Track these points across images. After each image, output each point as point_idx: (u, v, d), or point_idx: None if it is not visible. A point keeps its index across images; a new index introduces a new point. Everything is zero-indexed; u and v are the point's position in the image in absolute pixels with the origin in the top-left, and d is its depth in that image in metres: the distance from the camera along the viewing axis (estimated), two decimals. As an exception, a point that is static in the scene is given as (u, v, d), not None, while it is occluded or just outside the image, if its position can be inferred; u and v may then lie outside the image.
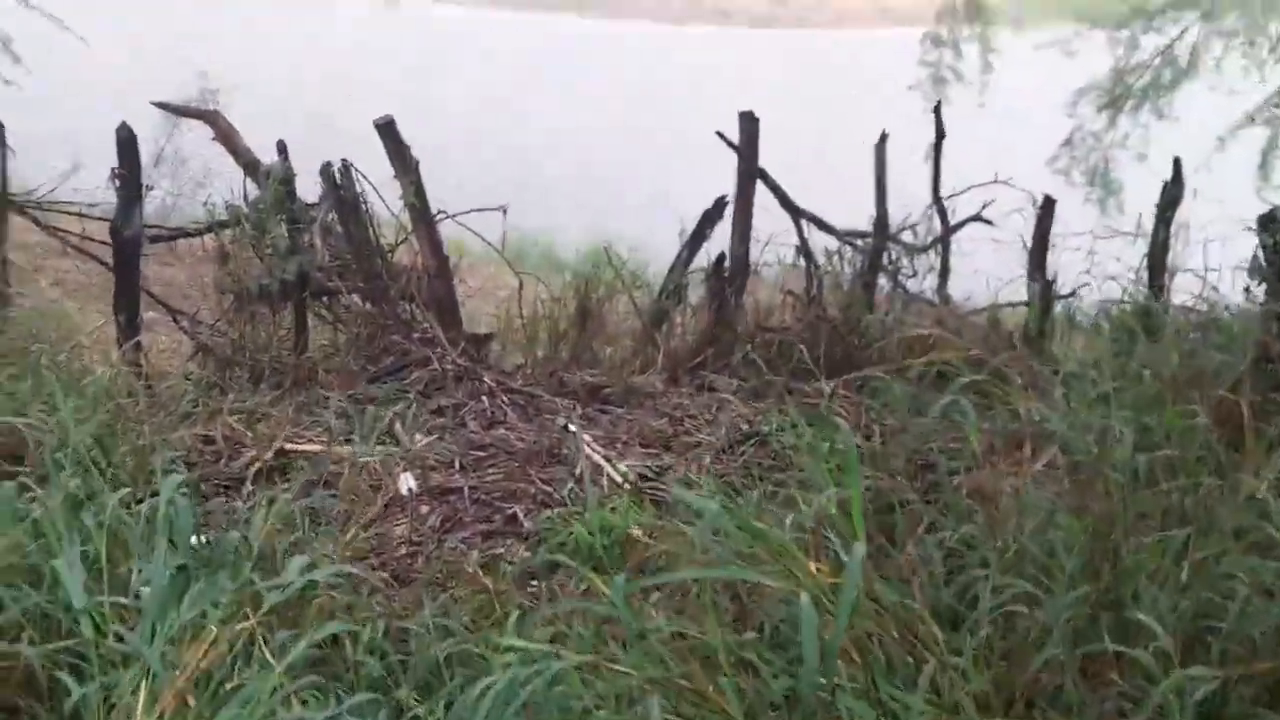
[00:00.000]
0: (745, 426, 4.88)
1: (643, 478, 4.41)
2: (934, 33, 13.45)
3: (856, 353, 5.71)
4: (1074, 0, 17.57)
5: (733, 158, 5.90)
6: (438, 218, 6.07)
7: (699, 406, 5.31)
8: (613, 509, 3.92)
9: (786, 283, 6.08)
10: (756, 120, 5.69)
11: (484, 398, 5.31)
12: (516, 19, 24.64)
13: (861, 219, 6.42)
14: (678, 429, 4.98)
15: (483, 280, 9.14)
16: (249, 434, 4.71)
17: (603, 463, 4.50)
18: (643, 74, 21.17)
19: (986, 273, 5.90)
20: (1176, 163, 5.24)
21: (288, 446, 4.52)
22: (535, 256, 12.81)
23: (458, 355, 5.74)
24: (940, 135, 6.03)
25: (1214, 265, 5.08)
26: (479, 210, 6.61)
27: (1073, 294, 5.85)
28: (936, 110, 6.08)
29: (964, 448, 4.57)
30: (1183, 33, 12.58)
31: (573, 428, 4.83)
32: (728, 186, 6.24)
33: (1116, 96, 12.99)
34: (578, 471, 4.39)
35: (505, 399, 5.33)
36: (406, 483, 4.24)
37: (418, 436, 4.83)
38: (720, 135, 5.74)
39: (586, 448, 4.61)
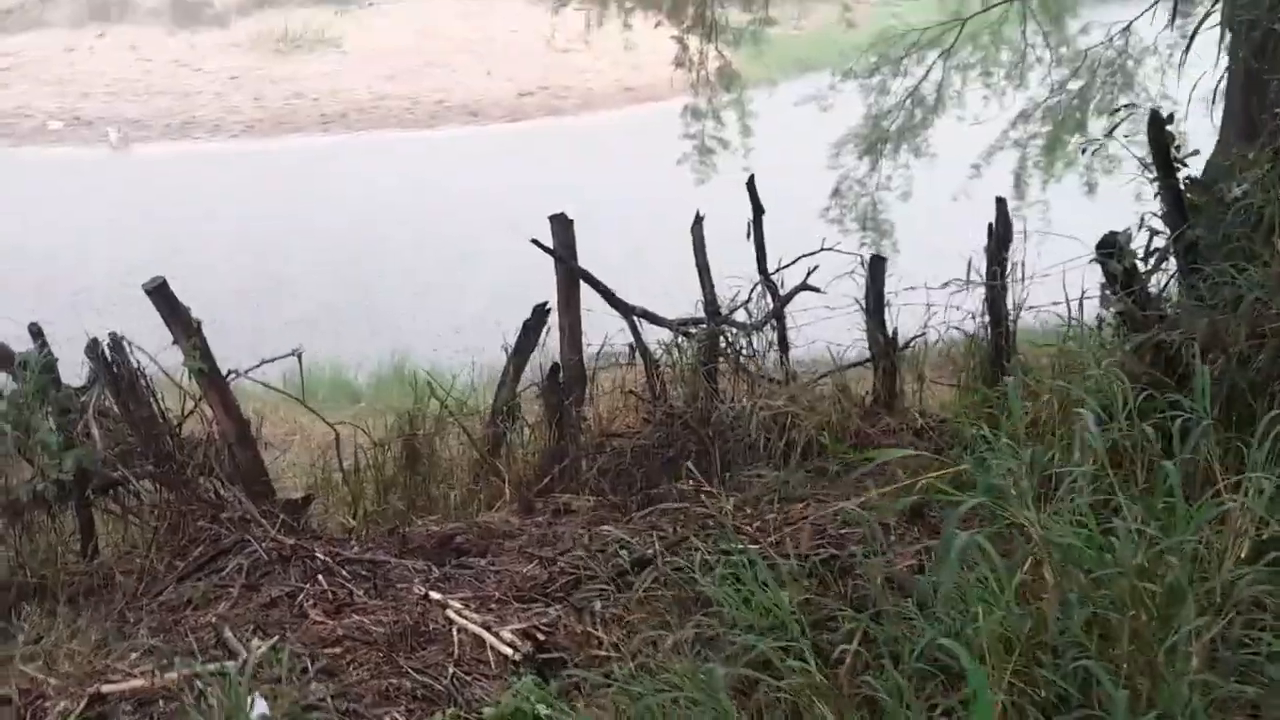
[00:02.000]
0: (624, 553, 4.42)
1: (531, 639, 3.87)
2: (693, 105, 13.59)
3: (711, 444, 5.37)
4: (819, 56, 18.27)
5: (523, 261, 5.55)
6: (229, 378, 5.39)
7: (565, 537, 4.81)
8: (514, 693, 3.37)
9: (626, 384, 5.70)
10: (570, 222, 5.33)
11: (320, 577, 4.62)
12: (269, 146, 23.70)
13: (683, 305, 6.13)
14: (551, 570, 4.46)
15: (284, 432, 8.38)
16: (50, 681, 3.90)
17: (482, 633, 3.92)
18: (402, 183, 20.64)
19: (825, 339, 5.68)
20: (1000, 203, 5.18)
21: (104, 689, 3.74)
22: (325, 388, 12.02)
23: (277, 530, 5.05)
24: (759, 210, 5.83)
25: (1057, 300, 5.01)
26: (271, 360, 5.97)
27: (907, 346, 5.70)
28: (750, 185, 5.88)
29: (864, 531, 4.30)
30: (927, 72, 13.17)
31: (435, 595, 4.24)
32: (525, 290, 5.86)
33: (874, 141, 13.43)
34: (455, 651, 3.81)
35: (346, 573, 4.67)
36: (257, 710, 3.55)
37: (254, 642, 4.12)
38: (536, 243, 5.33)
39: (458, 617, 4.03)
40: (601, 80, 25.40)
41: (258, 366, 5.79)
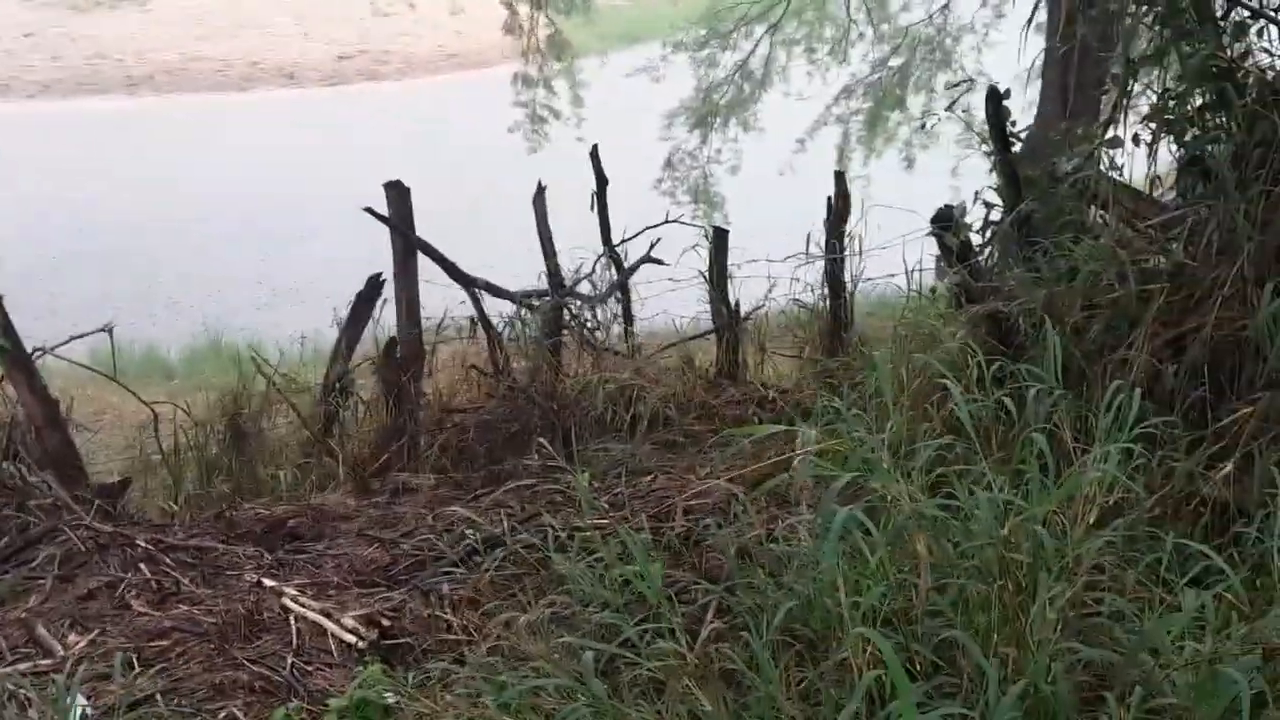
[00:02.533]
0: (471, 533, 4.28)
1: (376, 626, 3.70)
2: (523, 72, 13.39)
3: (556, 419, 5.28)
4: (648, 29, 18.25)
5: (355, 231, 5.32)
6: (35, 357, 4.99)
7: (407, 518, 4.64)
8: (360, 682, 3.21)
9: (468, 358, 5.54)
10: (406, 190, 5.11)
11: (142, 566, 4.32)
12: (67, 108, 22.16)
13: (525, 277, 6.01)
14: (394, 552, 4.28)
15: (94, 412, 7.85)
16: None
17: (322, 620, 3.73)
18: (217, 149, 19.65)
19: (670, 312, 5.65)
20: (839, 177, 5.23)
21: (-106, 700, 3.39)
22: (136, 366, 11.36)
23: (93, 517, 4.71)
24: (602, 181, 5.73)
25: (893, 272, 5.10)
26: (80, 336, 5.58)
27: (748, 317, 5.73)
28: (594, 155, 5.76)
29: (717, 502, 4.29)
30: (755, 46, 13.33)
31: (269, 582, 4.02)
32: (357, 262, 5.64)
33: (704, 115, 13.55)
34: (293, 641, 3.61)
35: (170, 561, 4.38)
36: (78, 710, 3.28)
37: (71, 638, 3.82)
38: (370, 211, 5.10)
39: (294, 605, 3.83)
40: (424, 45, 24.77)
41: (66, 343, 5.40)
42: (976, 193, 4.59)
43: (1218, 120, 3.58)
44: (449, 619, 3.62)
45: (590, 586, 3.43)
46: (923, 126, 11.91)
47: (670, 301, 5.66)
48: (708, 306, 5.70)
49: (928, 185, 14.27)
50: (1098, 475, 2.38)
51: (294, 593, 3.94)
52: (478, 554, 4.04)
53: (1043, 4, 12.32)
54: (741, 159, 13.49)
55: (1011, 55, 13.80)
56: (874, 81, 13.30)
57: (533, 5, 12.58)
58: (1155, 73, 4.10)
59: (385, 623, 3.72)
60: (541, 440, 4.33)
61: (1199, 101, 3.64)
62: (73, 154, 19.23)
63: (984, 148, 13.86)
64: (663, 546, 3.74)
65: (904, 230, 5.39)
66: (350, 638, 3.66)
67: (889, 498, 2.30)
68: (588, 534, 3.89)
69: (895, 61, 13.27)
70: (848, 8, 13.01)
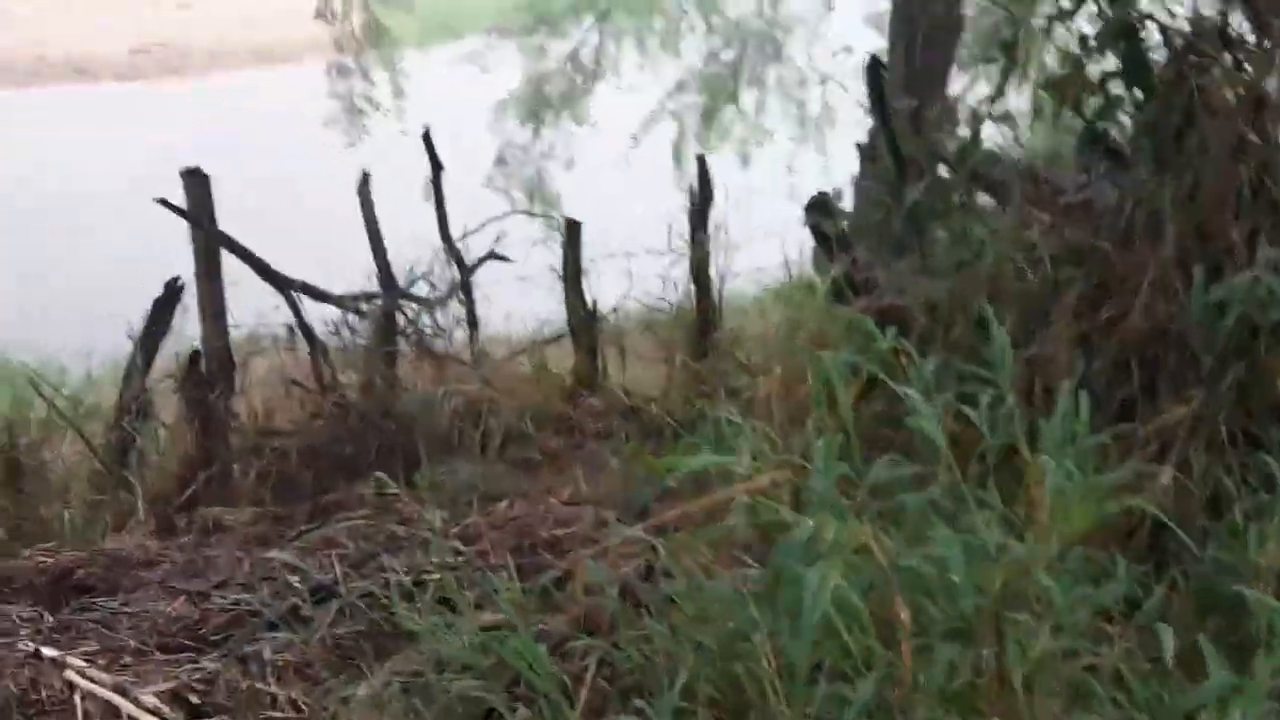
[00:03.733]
0: (296, 580, 3.64)
1: (183, 702, 3.04)
2: (339, 62, 12.55)
3: (395, 440, 4.68)
4: (467, 23, 17.55)
5: (149, 232, 4.61)
6: None
7: (219, 564, 3.96)
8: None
9: (287, 371, 4.87)
10: (206, 178, 4.43)
11: (-112, 638, 3.53)
12: None
13: (348, 278, 5.35)
14: (204, 608, 3.61)
15: None
16: None
17: (115, 698, 3.04)
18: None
19: (518, 315, 5.11)
20: (701, 161, 4.77)
21: None
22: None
23: None
24: (438, 167, 5.12)
25: (761, 264, 4.72)
26: None
27: (606, 315, 5.24)
28: (427, 139, 5.15)
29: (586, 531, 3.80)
30: (584, 36, 12.88)
31: (49, 652, 3.29)
32: (153, 265, 4.91)
33: (535, 108, 13.02)
34: (81, 725, 2.92)
35: (-78, 630, 3.59)
36: None
37: None
38: (164, 203, 4.37)
39: (81, 679, 3.12)
40: (228, 39, 23.33)
41: None
42: (854, 177, 4.23)
43: (1123, 88, 3.29)
44: (273, 692, 2.99)
45: (445, 645, 2.89)
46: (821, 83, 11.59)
47: (517, 303, 5.12)
48: (559, 308, 5.18)
49: (762, 180, 14.17)
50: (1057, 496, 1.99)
51: (81, 663, 3.22)
52: (304, 608, 3.43)
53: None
54: (575, 153, 13.03)
55: (839, 46, 13.79)
56: (707, 75, 13.04)
57: (346, -11, 11.82)
58: (1037, 40, 3.82)
59: (194, 699, 3.06)
60: (380, 474, 3.72)
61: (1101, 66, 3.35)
62: None
63: (813, 141, 13.74)
64: (529, 589, 3.21)
65: (768, 221, 5.01)
66: (151, 719, 3.00)
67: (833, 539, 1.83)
68: (438, 578, 3.35)
69: (727, 55, 13.04)
70: (678, -2, 12.73)
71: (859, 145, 6.78)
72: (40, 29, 23.58)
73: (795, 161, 13.73)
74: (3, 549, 4.36)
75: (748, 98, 13.34)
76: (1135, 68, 3.11)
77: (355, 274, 5.19)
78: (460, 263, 5.03)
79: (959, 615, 1.67)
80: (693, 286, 4.61)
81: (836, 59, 12.78)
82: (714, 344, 4.59)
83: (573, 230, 4.74)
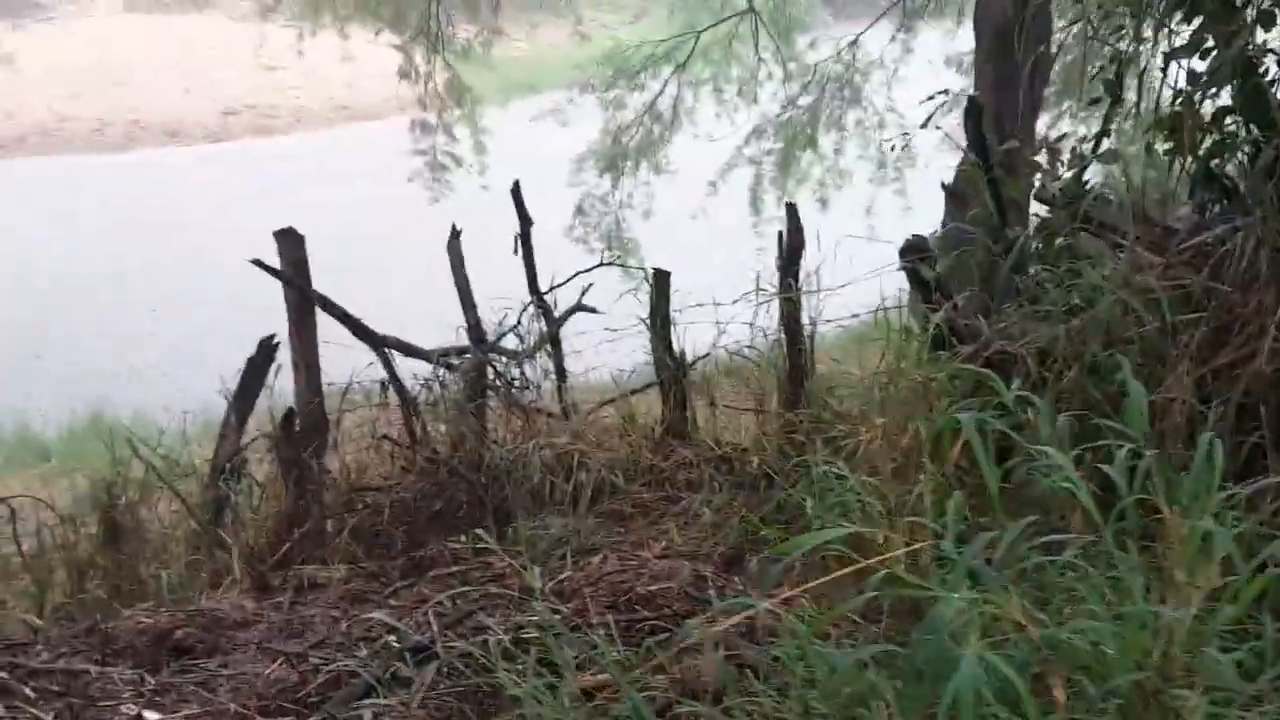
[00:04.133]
0: (394, 641, 3.60)
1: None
2: (422, 119, 12.76)
3: (486, 494, 4.64)
4: (545, 79, 17.78)
5: (244, 293, 4.66)
6: None
7: (316, 624, 3.95)
8: None
9: (378, 427, 4.87)
10: (300, 238, 4.47)
11: (-6, 701, 3.56)
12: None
13: (436, 334, 5.35)
14: (302, 669, 3.58)
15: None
16: None
17: (218, 767, 3.03)
18: (93, 212, 18.56)
19: (606, 365, 5.07)
20: (791, 208, 4.71)
21: None
22: (7, 448, 10.37)
23: (-66, 640, 3.92)
24: (526, 222, 5.13)
25: (855, 312, 4.62)
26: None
27: (694, 364, 5.16)
28: (515, 193, 5.16)
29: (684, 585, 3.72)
30: (664, 86, 12.94)
31: (151, 716, 3.29)
32: (246, 325, 4.95)
33: (614, 158, 13.09)
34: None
35: (31, 691, 3.61)
36: None
37: (-105, 807, 3.06)
38: (258, 263, 4.42)
39: (183, 747, 3.11)
40: (314, 98, 23.99)
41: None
42: (942, 218, 4.12)
43: (1240, 125, 3.15)
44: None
45: (548, 709, 2.81)
46: (892, 148, 11.56)
47: (605, 354, 5.08)
48: (646, 358, 5.13)
49: (840, 223, 14.05)
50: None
51: (183, 731, 3.23)
52: (404, 669, 3.39)
53: (961, 33, 12.20)
54: (653, 202, 13.06)
55: (921, 91, 13.65)
56: (784, 121, 13.00)
57: (429, 48, 12.00)
58: (1137, 76, 3.70)
59: (296, 764, 3.03)
60: (477, 530, 3.68)
61: (1214, 104, 3.22)
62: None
63: (895, 184, 13.59)
64: (630, 650, 3.13)
65: (858, 266, 4.91)
66: (252, 788, 2.97)
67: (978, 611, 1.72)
68: (537, 637, 3.28)
69: (805, 100, 12.99)
70: (755, 46, 12.70)
71: (945, 186, 6.61)
72: (134, 97, 24.48)
73: (875, 204, 13.61)
74: (103, 608, 4.40)
75: (826, 142, 13.27)
76: (1254, 103, 2.97)
77: (440, 328, 5.19)
78: (548, 315, 5.01)
79: (1113, 690, 1.55)
80: (783, 334, 4.52)
81: (918, 102, 12.68)
82: (807, 392, 4.49)
83: (661, 280, 4.70)
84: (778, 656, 2.78)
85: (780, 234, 4.59)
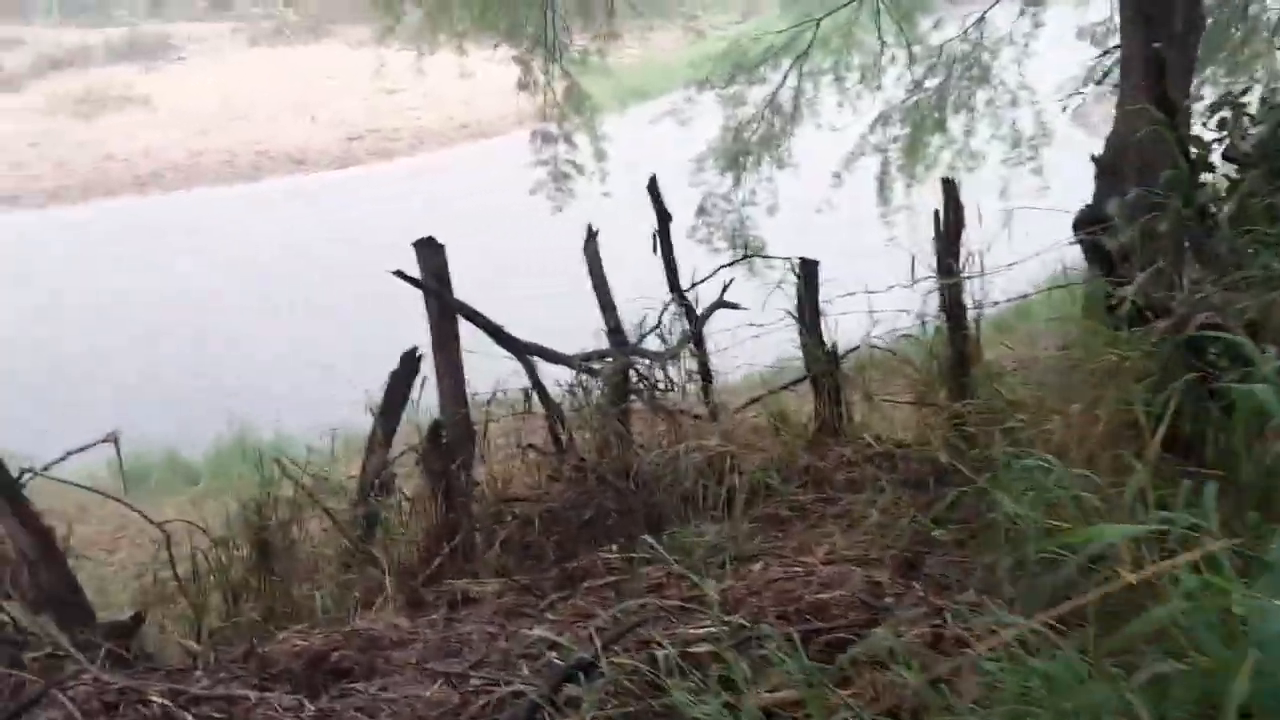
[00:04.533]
0: (556, 659, 3.44)
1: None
2: (543, 129, 12.72)
3: (635, 501, 4.47)
4: (658, 84, 17.64)
5: (383, 310, 4.56)
6: (22, 481, 4.24)
7: (473, 641, 3.82)
8: None
9: (523, 436, 4.75)
10: (441, 247, 4.37)
11: (159, 728, 3.52)
12: (71, 215, 21.73)
13: (573, 340, 5.21)
14: (464, 691, 3.46)
15: (110, 531, 7.12)
16: None
17: (384, 794, 2.90)
18: (229, 240, 19.13)
19: (750, 364, 4.85)
20: (949, 184, 4.41)
21: None
22: (158, 471, 10.64)
23: (100, 666, 3.91)
24: (665, 218, 4.95)
25: (1017, 293, 4.31)
26: (79, 450, 4.85)
27: (846, 356, 4.89)
28: (653, 189, 4.98)
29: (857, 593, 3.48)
30: (784, 79, 12.64)
31: (315, 744, 3.20)
32: (387, 341, 4.87)
33: (735, 155, 12.83)
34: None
35: (192, 718, 3.57)
36: None
37: (68, 839, 3.02)
38: (400, 274, 4.34)
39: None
40: (434, 118, 24.36)
41: (60, 460, 4.65)
42: (1123, 193, 3.79)
43: None
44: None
45: (728, 725, 2.61)
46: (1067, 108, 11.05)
47: (750, 352, 4.86)
48: (793, 353, 4.89)
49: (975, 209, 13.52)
50: None
51: (348, 759, 3.12)
52: (569, 688, 3.23)
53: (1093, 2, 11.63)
54: (777, 197, 12.76)
55: (1050, 66, 13.07)
56: (910, 106, 12.56)
57: (546, 59, 11.95)
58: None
59: (465, 793, 2.89)
60: (647, 538, 3.50)
61: None
62: (84, 255, 18.73)
63: (1032, 163, 13.00)
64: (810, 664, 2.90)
65: (1017, 245, 4.60)
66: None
67: None
68: (711, 651, 3.08)
69: (931, 82, 12.54)
70: (879, 29, 12.30)
71: (1094, 157, 6.23)
72: (261, 129, 25.22)
73: (1009, 186, 13.07)
74: (258, 631, 4.36)
75: (955, 124, 12.78)
76: None
77: (579, 334, 5.05)
78: (690, 313, 4.81)
79: None
80: (944, 319, 4.24)
81: (1046, 77, 12.18)
82: (974, 381, 4.20)
83: (809, 270, 4.46)
84: (990, 670, 2.53)
85: (936, 213, 4.30)
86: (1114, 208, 3.64)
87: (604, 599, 4.05)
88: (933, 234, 4.30)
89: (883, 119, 12.74)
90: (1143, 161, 3.85)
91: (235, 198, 22.42)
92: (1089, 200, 5.34)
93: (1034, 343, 4.27)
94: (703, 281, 4.87)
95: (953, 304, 4.20)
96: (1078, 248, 4.17)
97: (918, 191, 13.31)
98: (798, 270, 4.46)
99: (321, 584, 4.56)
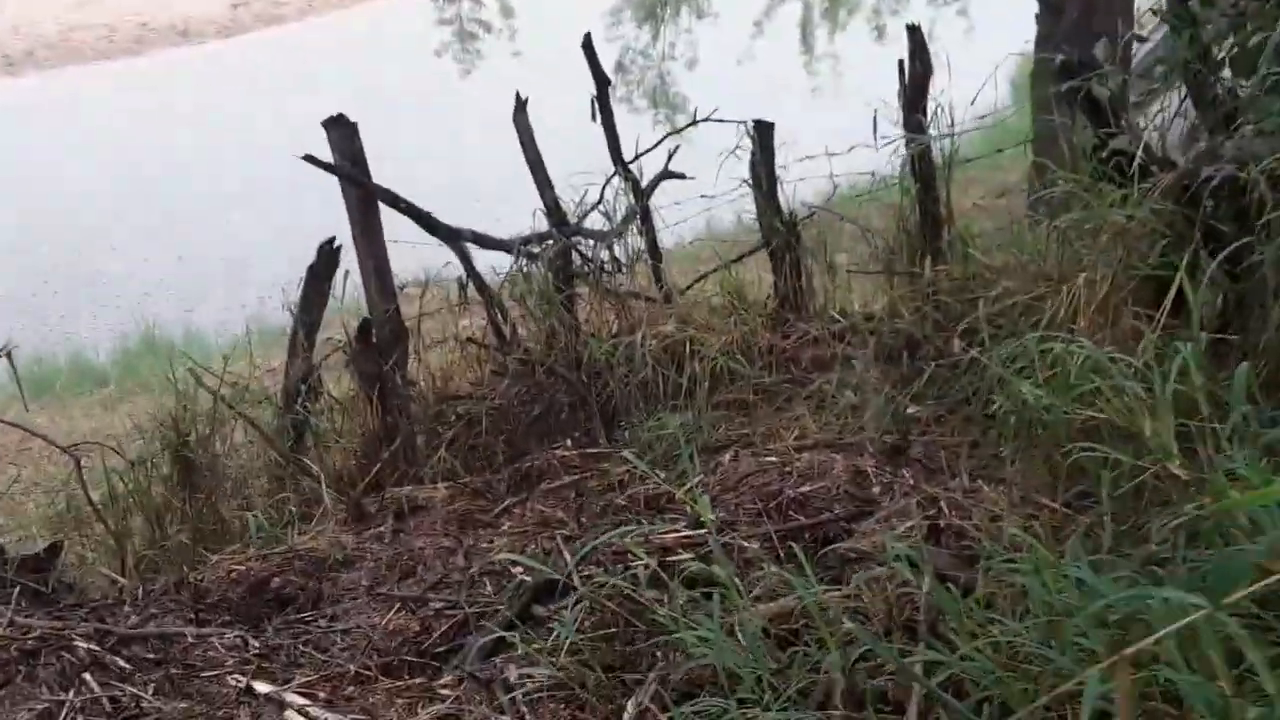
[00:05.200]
0: (520, 574, 3.16)
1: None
2: (443, -14, 11.95)
3: (588, 393, 4.17)
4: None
5: (293, 195, 4.11)
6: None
7: (427, 557, 3.53)
8: None
9: (460, 330, 4.39)
10: (353, 126, 3.91)
11: (88, 676, 3.18)
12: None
13: (509, 221, 4.80)
14: (423, 614, 3.18)
15: (15, 445, 6.66)
16: None
17: (348, 744, 2.63)
18: (115, 122, 17.97)
19: (702, 234, 4.50)
20: (914, 32, 3.98)
21: None
22: (62, 376, 10.03)
23: (14, 607, 3.56)
24: (604, 82, 4.49)
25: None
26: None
27: (804, 219, 4.56)
28: (587, 46, 4.51)
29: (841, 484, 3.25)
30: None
31: (262, 687, 2.90)
32: (301, 232, 4.43)
33: (652, 6, 12.23)
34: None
35: (124, 663, 3.24)
36: None
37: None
38: (311, 159, 3.87)
39: (305, 720, 2.72)
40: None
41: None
42: (1119, 34, 3.47)
43: None
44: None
45: (726, 650, 2.36)
46: None
47: (698, 226, 4.51)
48: (744, 224, 4.56)
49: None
50: None
51: (301, 700, 2.84)
52: (539, 609, 2.96)
53: None
54: (698, 51, 12.25)
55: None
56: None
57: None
58: None
59: (440, 731, 2.63)
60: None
61: None
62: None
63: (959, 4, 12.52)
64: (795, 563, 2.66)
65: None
66: (391, 765, 2.58)
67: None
68: (690, 559, 2.84)
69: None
70: None
71: None
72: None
73: (934, 29, 12.68)
74: (188, 556, 4.03)
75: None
76: None
77: (511, 219, 4.64)
78: (637, 188, 4.41)
79: None
80: (912, 180, 3.92)
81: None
82: (946, 246, 3.93)
83: (764, 133, 4.09)
84: (1004, 572, 2.31)
85: (900, 63, 3.94)
86: (1101, 50, 3.32)
87: (563, 500, 3.79)
88: (897, 86, 3.95)
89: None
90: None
91: (116, 74, 21.02)
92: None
93: (1006, 200, 3.99)
94: (649, 151, 4.46)
95: (920, 163, 3.88)
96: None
97: (839, 39, 12.90)
98: (752, 133, 4.09)
99: (253, 501, 4.23)
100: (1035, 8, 7.25)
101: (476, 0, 11.54)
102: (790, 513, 3.15)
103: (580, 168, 4.74)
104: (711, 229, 4.86)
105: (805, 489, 3.22)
